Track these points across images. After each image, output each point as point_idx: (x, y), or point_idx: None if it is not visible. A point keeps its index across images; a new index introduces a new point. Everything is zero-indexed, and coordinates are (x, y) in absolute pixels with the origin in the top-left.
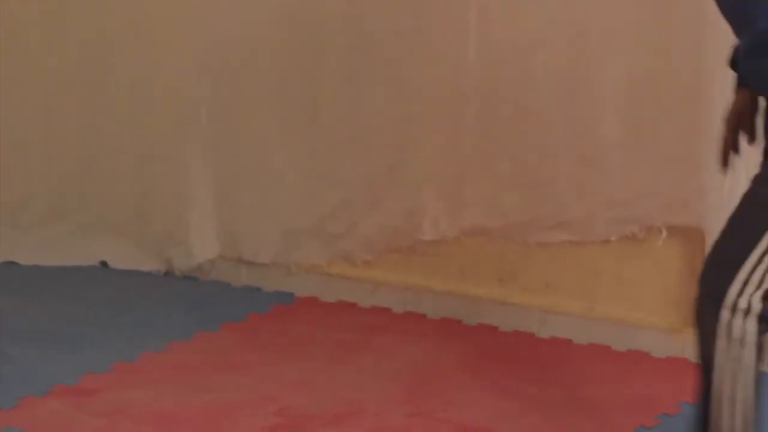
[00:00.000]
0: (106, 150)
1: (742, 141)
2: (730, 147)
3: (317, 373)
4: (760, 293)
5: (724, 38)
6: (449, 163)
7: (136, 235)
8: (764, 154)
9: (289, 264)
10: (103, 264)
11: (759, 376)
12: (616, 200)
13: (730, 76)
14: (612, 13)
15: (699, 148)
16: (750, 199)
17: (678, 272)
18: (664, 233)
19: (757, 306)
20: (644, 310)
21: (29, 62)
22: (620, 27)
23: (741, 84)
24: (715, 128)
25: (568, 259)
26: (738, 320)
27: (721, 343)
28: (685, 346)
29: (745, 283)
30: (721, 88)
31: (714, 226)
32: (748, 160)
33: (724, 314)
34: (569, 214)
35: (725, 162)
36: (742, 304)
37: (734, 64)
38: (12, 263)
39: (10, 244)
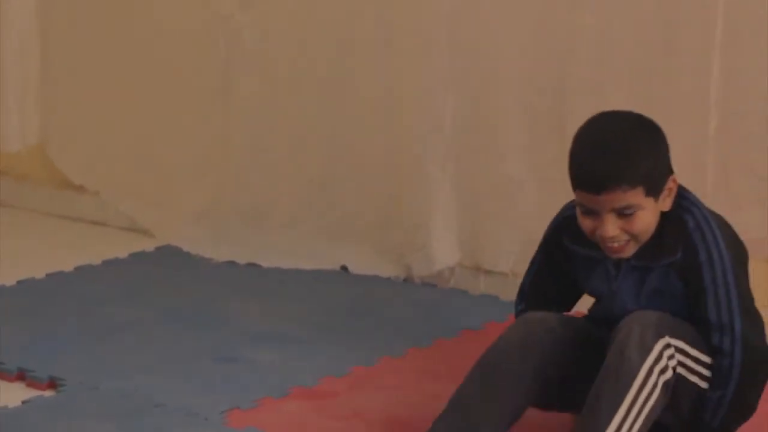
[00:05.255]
0: (349, 157)
1: None
2: None
3: None
4: None
5: None
6: (689, 177)
7: (378, 241)
8: None
9: None
10: (344, 268)
11: None
12: None
13: None
14: None
15: None
16: None
17: None
18: None
19: None
20: None
21: (275, 68)
22: None
23: None
24: None
25: None
26: None
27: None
28: None
29: None
30: None
31: None
32: None
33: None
34: None
35: None
36: None
37: None
38: (254, 265)
39: (253, 246)
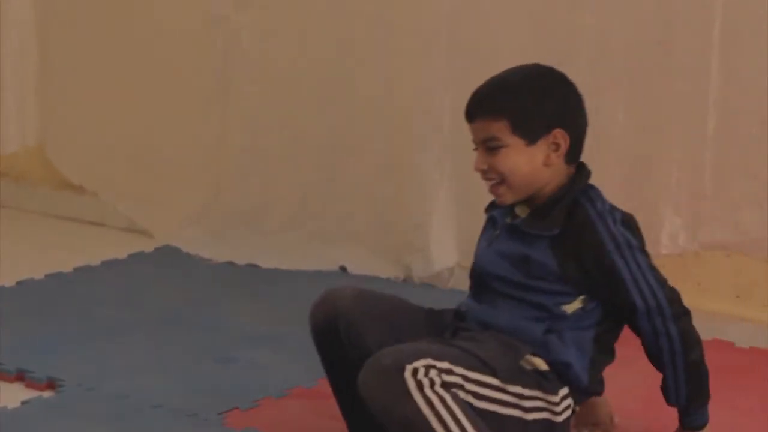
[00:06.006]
0: (347, 157)
1: None
2: None
3: None
4: None
5: None
6: (688, 178)
7: (376, 241)
8: None
9: None
10: (343, 269)
11: None
12: None
13: None
14: None
15: None
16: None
17: None
18: None
19: None
20: None
21: (274, 68)
22: None
23: None
24: None
25: None
26: None
27: None
28: None
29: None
30: None
31: None
32: None
33: None
34: None
35: None
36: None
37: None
38: (253, 266)
39: (251, 248)
